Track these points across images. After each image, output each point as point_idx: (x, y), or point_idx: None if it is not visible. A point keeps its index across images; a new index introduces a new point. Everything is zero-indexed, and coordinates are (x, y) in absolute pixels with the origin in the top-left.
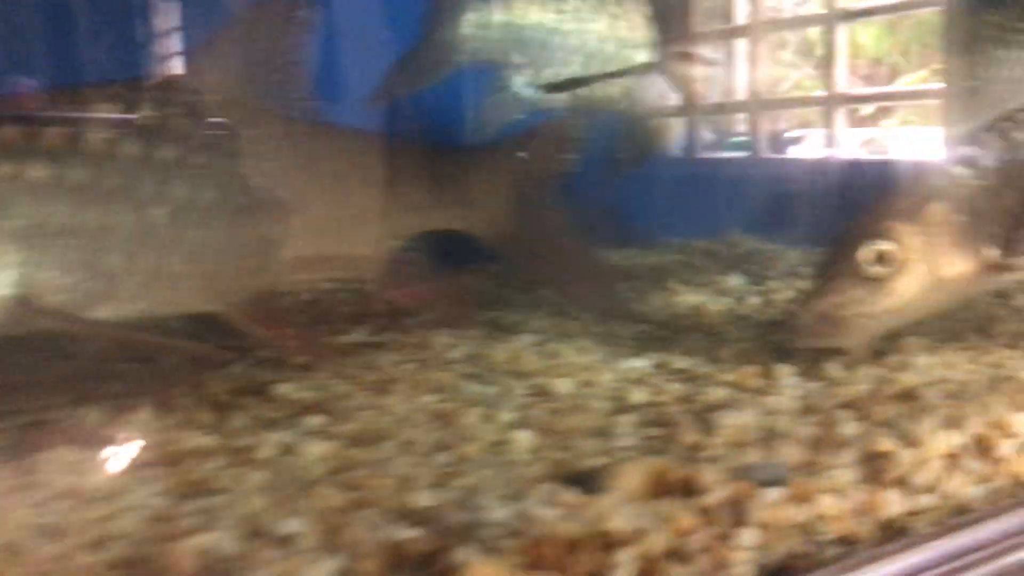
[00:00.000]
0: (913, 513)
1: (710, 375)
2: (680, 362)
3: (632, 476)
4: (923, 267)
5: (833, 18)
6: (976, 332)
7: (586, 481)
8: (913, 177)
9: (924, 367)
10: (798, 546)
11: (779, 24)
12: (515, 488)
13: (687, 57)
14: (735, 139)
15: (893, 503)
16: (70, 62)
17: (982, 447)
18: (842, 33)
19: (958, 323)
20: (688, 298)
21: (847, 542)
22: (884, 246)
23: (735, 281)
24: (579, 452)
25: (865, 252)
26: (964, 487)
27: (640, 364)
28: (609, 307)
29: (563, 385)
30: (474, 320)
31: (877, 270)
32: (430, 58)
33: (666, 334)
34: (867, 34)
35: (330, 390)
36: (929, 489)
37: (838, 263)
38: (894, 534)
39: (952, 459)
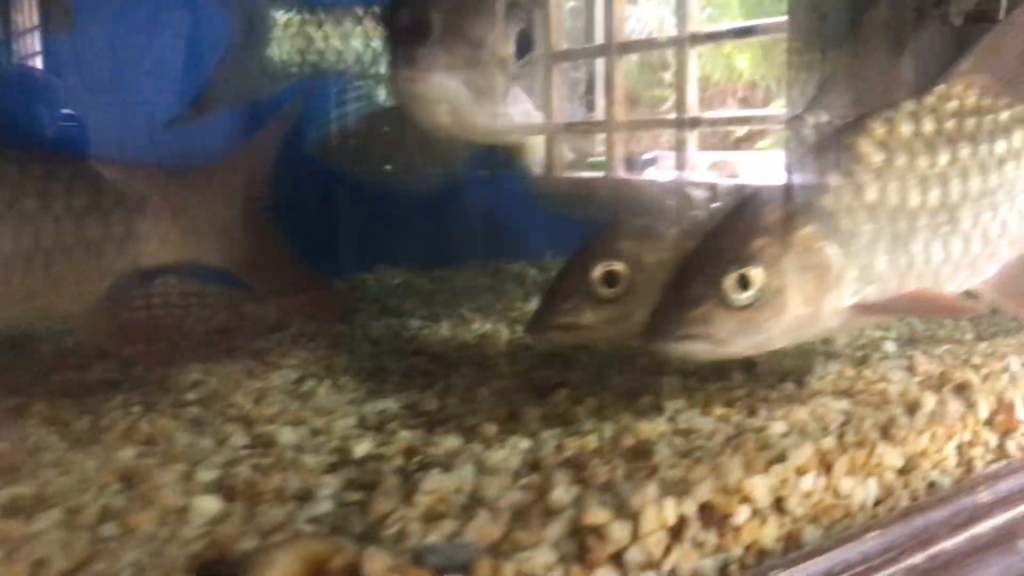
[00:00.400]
0: None
1: (454, 419)
2: (431, 402)
3: (283, 564)
4: (793, 297)
5: (684, 41)
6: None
7: (226, 572)
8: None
9: (672, 414)
10: None
11: (633, 46)
12: None
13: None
14: (592, 159)
15: None
16: None
17: (713, 515)
18: (693, 56)
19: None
20: (480, 326)
21: None
22: (748, 270)
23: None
24: (262, 524)
25: (729, 278)
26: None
27: (387, 406)
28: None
29: (289, 434)
30: (236, 353)
31: (737, 297)
32: (237, 77)
33: (437, 368)
34: (743, 59)
35: (26, 442)
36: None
37: (692, 285)
38: None
39: (677, 529)
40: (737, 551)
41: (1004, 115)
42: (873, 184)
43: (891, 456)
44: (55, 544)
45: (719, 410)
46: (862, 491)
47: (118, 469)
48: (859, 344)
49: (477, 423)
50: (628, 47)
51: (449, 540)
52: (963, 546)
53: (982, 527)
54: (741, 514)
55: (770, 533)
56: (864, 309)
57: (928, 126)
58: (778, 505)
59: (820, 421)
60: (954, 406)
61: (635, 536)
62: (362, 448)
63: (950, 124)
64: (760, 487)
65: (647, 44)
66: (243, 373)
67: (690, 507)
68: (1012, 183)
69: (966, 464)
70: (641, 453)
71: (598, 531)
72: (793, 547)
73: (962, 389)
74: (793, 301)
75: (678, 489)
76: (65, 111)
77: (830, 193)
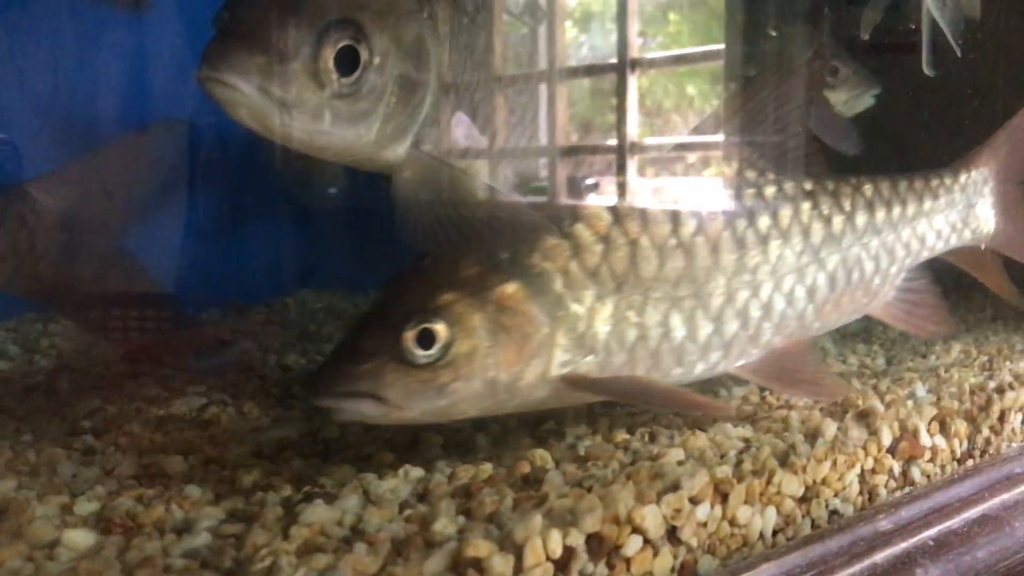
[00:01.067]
0: None
1: (353, 447)
2: (332, 430)
3: None
4: (486, 359)
5: (624, 67)
6: None
7: None
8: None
9: (572, 441)
10: None
11: (575, 72)
12: None
13: None
14: (535, 184)
15: None
16: None
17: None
18: (632, 82)
19: None
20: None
21: None
22: (432, 325)
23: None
24: (132, 559)
25: (409, 332)
26: None
27: (287, 434)
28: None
29: (179, 464)
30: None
31: (418, 354)
32: None
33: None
34: (693, 86)
35: None
36: None
37: (378, 338)
38: None
39: (564, 562)
40: None
41: (769, 189)
42: (595, 246)
43: (791, 484)
44: None
45: (620, 436)
46: (760, 520)
47: None
48: None
49: (375, 451)
50: (569, 72)
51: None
52: None
53: (880, 556)
54: (632, 545)
55: (663, 564)
56: (577, 383)
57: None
58: (672, 535)
59: (719, 448)
60: (856, 433)
61: (518, 570)
62: (251, 478)
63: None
64: (652, 517)
65: (588, 70)
66: (146, 400)
67: (577, 538)
68: (777, 263)
69: (869, 492)
70: (533, 481)
71: (480, 564)
72: None
73: (865, 416)
74: (485, 365)
75: (565, 520)
76: None
77: (543, 250)
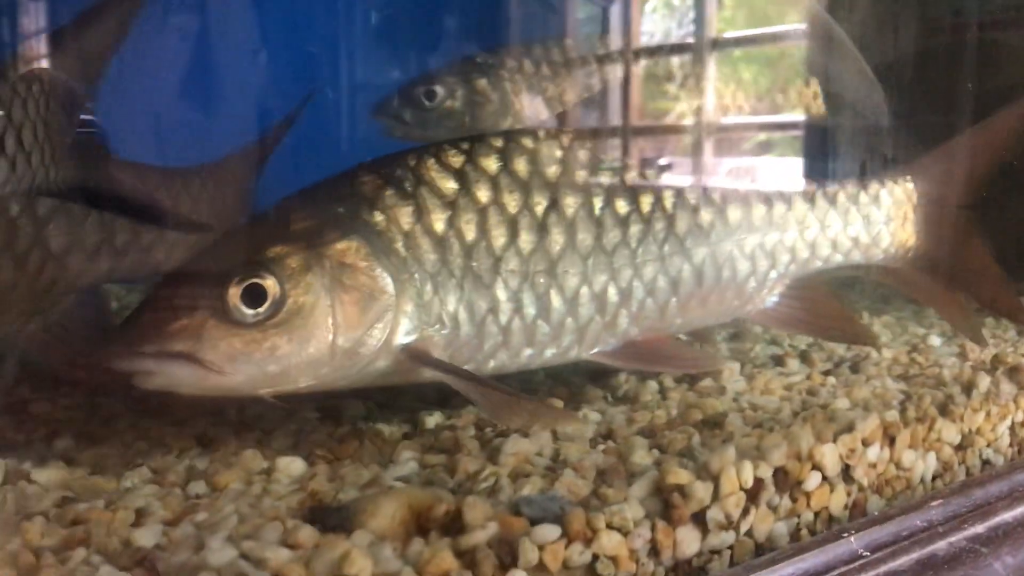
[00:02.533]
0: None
1: None
2: None
3: (389, 511)
4: (324, 320)
5: (702, 46)
6: None
7: (330, 517)
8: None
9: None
10: None
11: (651, 51)
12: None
13: None
14: (607, 164)
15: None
16: None
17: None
18: (712, 62)
19: None
20: None
21: None
22: (261, 280)
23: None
24: None
25: (234, 287)
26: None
27: None
28: None
29: None
30: None
31: (245, 311)
32: None
33: None
34: (750, 71)
35: None
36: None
37: (196, 292)
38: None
39: (754, 492)
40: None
41: (631, 173)
42: (440, 212)
43: (950, 432)
44: None
45: (780, 391)
46: (922, 465)
47: None
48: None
49: (543, 397)
50: (645, 53)
51: (542, 493)
52: None
53: None
54: (812, 480)
55: (838, 500)
56: (423, 358)
57: (522, 165)
58: (846, 473)
59: (881, 399)
60: (1007, 387)
61: (716, 497)
62: (433, 419)
63: (552, 169)
64: (830, 454)
65: (665, 50)
66: None
67: (766, 471)
68: (638, 249)
69: (1019, 444)
70: (712, 424)
71: (683, 490)
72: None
73: (1016, 371)
74: (323, 326)
75: (753, 455)
76: None
77: (384, 210)
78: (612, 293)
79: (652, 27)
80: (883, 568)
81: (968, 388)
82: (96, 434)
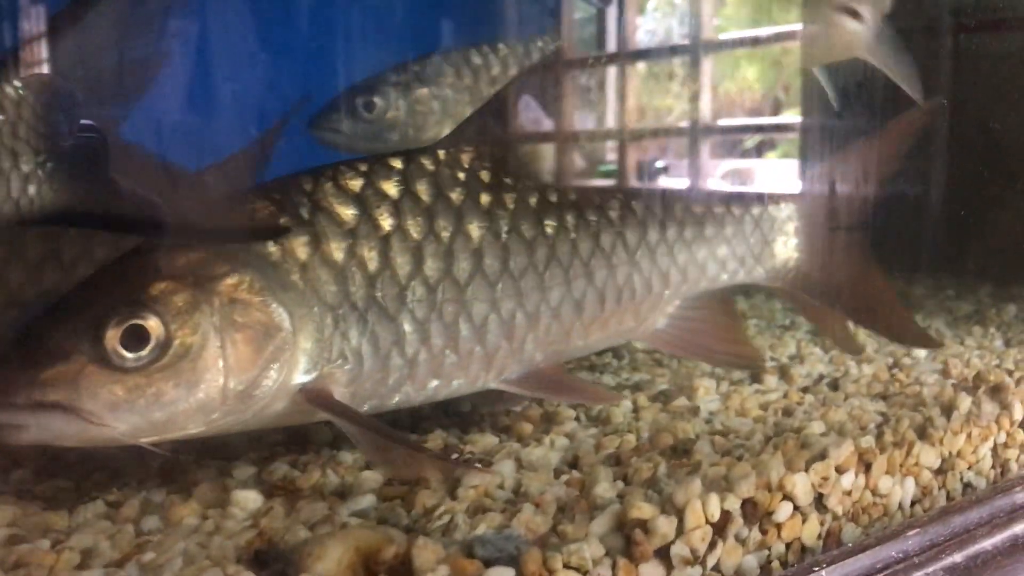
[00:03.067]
0: None
1: None
2: None
3: (336, 555)
4: (214, 361)
5: (698, 48)
6: None
7: (276, 561)
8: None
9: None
10: None
11: (646, 54)
12: None
13: None
14: (604, 167)
15: None
16: None
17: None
18: (707, 64)
19: None
20: None
21: None
22: (142, 321)
23: None
24: None
25: (112, 329)
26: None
27: None
28: None
29: None
30: None
31: (125, 355)
32: None
33: None
34: (751, 71)
35: None
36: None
37: (71, 335)
38: None
39: (721, 525)
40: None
41: (533, 196)
42: (340, 240)
43: (929, 456)
44: None
45: (755, 412)
46: (899, 491)
47: None
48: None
49: (512, 423)
50: (640, 55)
51: (497, 532)
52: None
53: (1021, 528)
54: (783, 511)
55: (811, 530)
56: (322, 402)
57: (424, 188)
58: (819, 502)
59: (858, 421)
60: (989, 407)
61: (680, 531)
62: None
63: (456, 191)
64: (801, 484)
65: (660, 52)
66: None
67: (733, 503)
68: (545, 273)
69: (1001, 466)
70: (681, 451)
71: (645, 525)
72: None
73: (997, 391)
74: (213, 369)
75: (721, 486)
76: None
77: (279, 241)
78: (520, 318)
79: (652, 27)
80: None
81: (948, 409)
82: (54, 464)
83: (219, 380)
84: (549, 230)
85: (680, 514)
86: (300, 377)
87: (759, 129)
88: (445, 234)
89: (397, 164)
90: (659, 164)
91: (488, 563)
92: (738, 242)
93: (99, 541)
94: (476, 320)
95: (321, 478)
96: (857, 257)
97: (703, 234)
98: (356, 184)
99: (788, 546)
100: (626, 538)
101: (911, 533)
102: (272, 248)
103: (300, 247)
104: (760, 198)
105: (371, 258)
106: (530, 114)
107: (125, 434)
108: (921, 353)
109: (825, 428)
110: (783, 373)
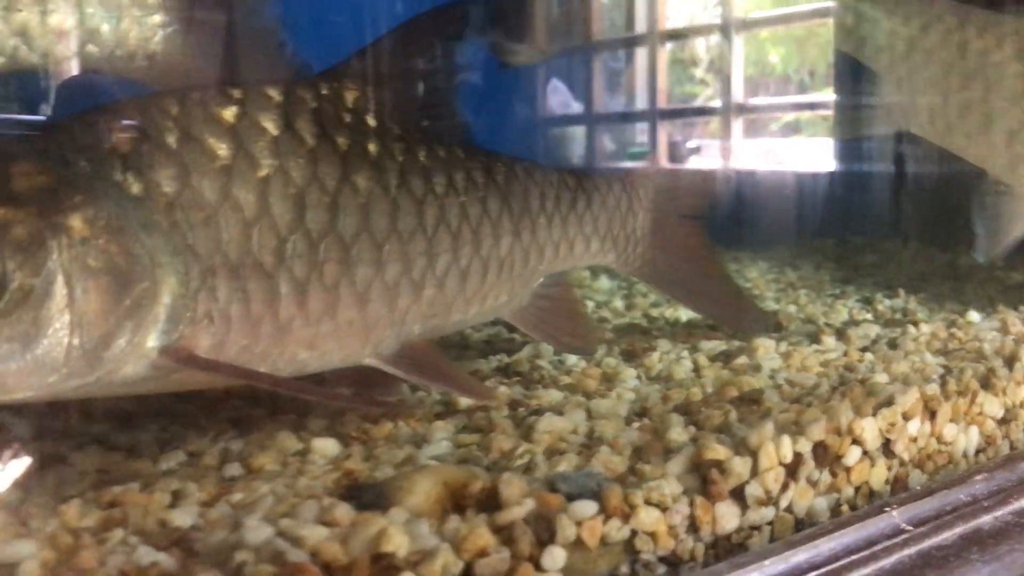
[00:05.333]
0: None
1: None
2: None
3: (424, 489)
4: (59, 312)
5: (730, 27)
6: None
7: (366, 495)
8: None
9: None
10: (616, 568)
11: (677, 34)
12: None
13: None
14: (634, 149)
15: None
16: None
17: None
18: (739, 43)
19: None
20: None
21: (673, 562)
22: None
23: None
24: None
25: None
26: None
27: None
28: None
29: None
30: None
31: None
32: None
33: None
34: (776, 53)
35: None
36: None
37: None
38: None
39: (793, 467)
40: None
41: (421, 151)
42: (215, 177)
43: (992, 406)
44: None
45: (816, 368)
46: (964, 439)
47: None
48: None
49: (576, 380)
50: (671, 35)
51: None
52: None
53: None
54: (852, 455)
55: (879, 475)
56: (186, 360)
57: (307, 126)
58: (887, 448)
59: (921, 374)
60: None
61: (754, 472)
62: (465, 401)
63: (343, 134)
64: (869, 428)
65: (691, 31)
66: None
67: (805, 446)
68: (433, 237)
69: None
70: (749, 400)
71: (720, 466)
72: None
73: None
74: (57, 321)
75: (791, 430)
76: None
77: (142, 168)
78: (405, 285)
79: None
80: (926, 543)
81: (1010, 361)
82: (131, 418)
83: (63, 336)
84: (439, 189)
85: (754, 455)
86: (157, 338)
87: (793, 108)
88: (330, 182)
89: (275, 95)
90: (690, 145)
91: (571, 498)
92: (588, 222)
93: (186, 484)
94: (359, 284)
95: (393, 429)
96: (701, 247)
97: (574, 210)
98: (230, 113)
99: (857, 490)
100: (702, 478)
101: (978, 478)
102: (134, 179)
103: (167, 181)
104: (609, 179)
105: (248, 202)
106: (558, 97)
107: None
108: (976, 315)
109: (889, 379)
110: (840, 335)
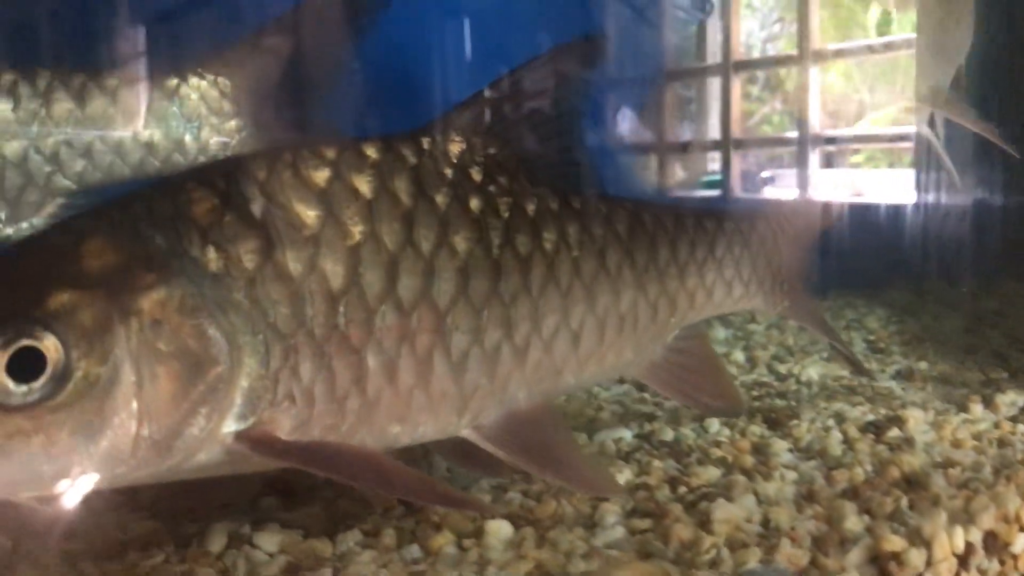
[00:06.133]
0: None
1: None
2: None
3: None
4: (126, 402)
5: (806, 59)
6: None
7: None
8: None
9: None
10: None
11: (752, 64)
12: None
13: None
14: (708, 177)
15: None
16: None
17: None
18: (815, 74)
19: None
20: None
21: None
22: (33, 342)
23: None
24: None
25: None
26: None
27: None
28: None
29: None
30: None
31: (11, 389)
32: None
33: None
34: (834, 71)
35: None
36: None
37: None
38: None
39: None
40: None
41: (531, 204)
42: (301, 247)
43: None
44: None
45: (969, 443)
46: None
47: None
48: None
49: (730, 456)
50: (745, 65)
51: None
52: None
53: None
54: (1020, 543)
55: None
56: (265, 446)
57: (403, 186)
58: None
59: None
60: None
61: (929, 563)
62: (623, 476)
63: (442, 194)
64: None
65: (765, 62)
66: None
67: (975, 535)
68: (540, 298)
69: None
70: (914, 484)
71: (898, 558)
72: None
73: None
74: (121, 410)
75: (962, 518)
76: None
77: (221, 242)
78: (506, 352)
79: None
80: None
81: None
82: (296, 492)
83: (130, 426)
84: (548, 245)
85: (928, 546)
86: (234, 424)
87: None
88: (425, 245)
89: (372, 153)
90: (764, 175)
91: None
92: (745, 262)
93: (377, 570)
94: (455, 354)
95: (558, 507)
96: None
97: (713, 253)
98: (321, 177)
99: None
100: (880, 570)
101: None
102: (212, 254)
103: (248, 255)
104: (764, 213)
105: (336, 273)
106: (627, 124)
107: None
108: None
109: None
110: (987, 402)
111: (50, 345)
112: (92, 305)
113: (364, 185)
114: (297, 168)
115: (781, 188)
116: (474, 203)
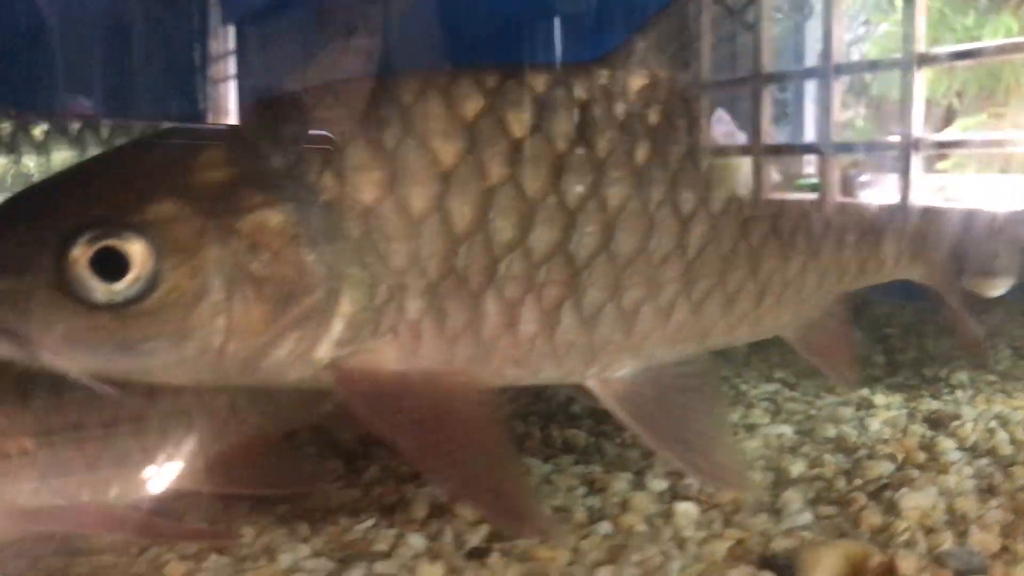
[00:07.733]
0: None
1: None
2: None
3: (829, 562)
4: (212, 318)
5: (911, 62)
6: None
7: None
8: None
9: None
10: None
11: (852, 67)
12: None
13: None
14: (805, 180)
15: None
16: None
17: None
18: (919, 78)
19: None
20: None
21: None
22: (118, 243)
23: None
24: None
25: (80, 247)
26: None
27: None
28: None
29: None
30: None
31: (94, 285)
32: None
33: None
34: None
35: None
36: None
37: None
38: None
39: None
40: None
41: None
42: (430, 183)
43: None
44: None
45: None
46: None
47: None
48: None
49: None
50: (848, 68)
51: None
52: None
53: None
54: None
55: None
56: (356, 385)
57: (563, 125)
58: None
59: None
60: None
61: None
62: (797, 468)
63: (607, 136)
64: None
65: (868, 65)
66: None
67: None
68: (695, 261)
69: None
70: None
71: None
72: None
73: None
74: (206, 326)
75: None
76: None
77: (343, 170)
78: (646, 312)
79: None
80: None
81: None
82: None
83: (215, 342)
84: (716, 205)
85: None
86: (331, 351)
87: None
88: (572, 196)
89: (538, 86)
90: (862, 179)
91: (960, 573)
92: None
93: (579, 544)
94: (587, 308)
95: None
96: None
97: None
98: (473, 108)
99: None
100: None
101: None
102: (328, 181)
103: (368, 187)
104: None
105: (462, 215)
106: (722, 127)
107: (83, 371)
108: None
109: None
110: None
111: (137, 250)
112: (191, 219)
113: (517, 123)
114: (449, 95)
115: (878, 191)
116: (640, 152)
